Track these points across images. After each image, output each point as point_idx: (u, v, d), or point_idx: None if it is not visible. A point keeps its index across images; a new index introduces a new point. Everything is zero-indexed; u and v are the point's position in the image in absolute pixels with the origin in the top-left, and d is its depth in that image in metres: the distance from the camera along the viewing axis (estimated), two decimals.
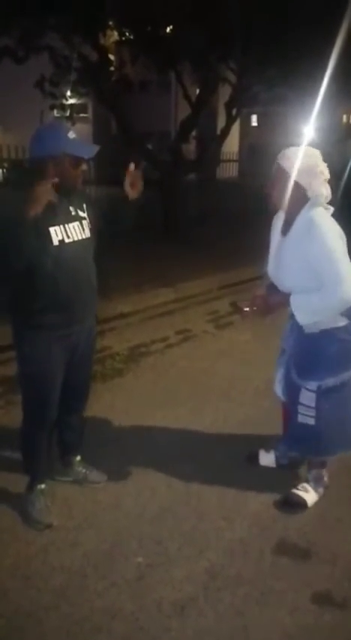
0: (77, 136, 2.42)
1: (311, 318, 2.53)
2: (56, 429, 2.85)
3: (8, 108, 15.67)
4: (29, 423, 2.67)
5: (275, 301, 2.68)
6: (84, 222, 2.52)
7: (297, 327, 2.66)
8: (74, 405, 2.83)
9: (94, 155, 2.44)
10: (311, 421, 2.66)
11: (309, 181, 2.48)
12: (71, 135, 2.38)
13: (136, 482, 3.01)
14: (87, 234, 2.53)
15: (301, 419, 2.69)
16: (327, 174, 2.52)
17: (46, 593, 2.29)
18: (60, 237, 2.39)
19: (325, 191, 2.52)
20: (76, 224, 2.47)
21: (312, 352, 2.64)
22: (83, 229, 2.51)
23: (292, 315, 2.66)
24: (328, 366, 2.63)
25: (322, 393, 2.63)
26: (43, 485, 2.76)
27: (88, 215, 2.55)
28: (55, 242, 2.38)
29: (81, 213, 2.52)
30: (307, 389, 2.64)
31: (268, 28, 7.54)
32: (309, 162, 2.47)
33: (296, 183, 2.49)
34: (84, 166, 2.44)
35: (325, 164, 2.52)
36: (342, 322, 2.55)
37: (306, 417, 2.67)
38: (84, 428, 2.97)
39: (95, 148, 2.49)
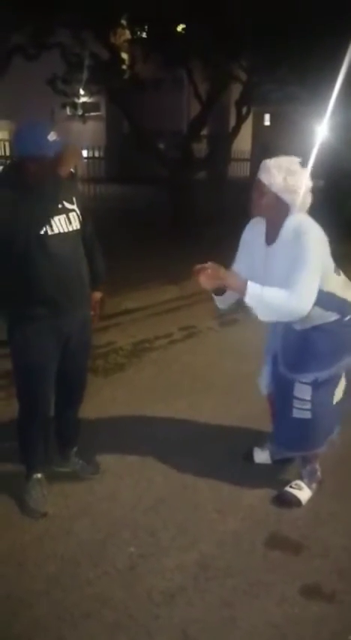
0: (58, 138, 2.37)
1: (267, 314, 2.45)
2: (54, 421, 2.90)
3: (20, 105, 15.77)
4: (24, 414, 2.71)
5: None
6: (71, 214, 2.52)
7: (284, 324, 2.67)
8: (70, 397, 2.87)
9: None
10: (307, 415, 2.67)
11: (292, 197, 2.48)
12: (52, 137, 2.35)
13: (133, 473, 3.04)
14: (75, 226, 2.54)
15: (296, 414, 2.69)
16: (309, 184, 2.51)
17: (39, 580, 2.33)
18: (43, 231, 2.40)
19: (308, 201, 2.53)
20: (62, 217, 2.48)
21: (304, 348, 2.65)
22: (70, 222, 2.51)
23: None
24: (323, 360, 2.64)
25: (317, 386, 2.64)
26: (39, 475, 2.80)
27: (78, 207, 2.56)
28: (41, 232, 2.39)
29: (69, 205, 2.52)
30: (302, 382, 2.65)
31: (278, 26, 7.52)
32: (290, 180, 2.45)
33: (278, 198, 2.49)
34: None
35: (306, 172, 2.51)
36: (334, 317, 2.58)
37: (302, 411, 2.68)
38: (80, 420, 3.01)
39: None
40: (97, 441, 3.25)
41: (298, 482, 2.86)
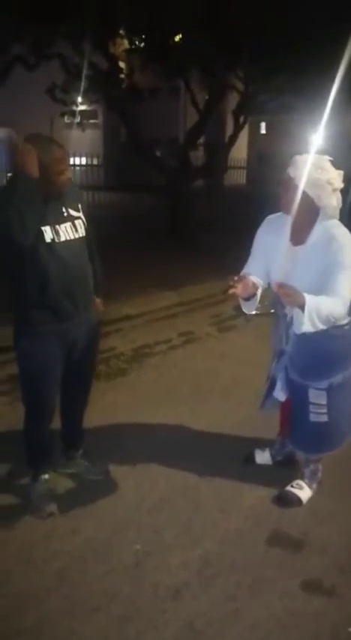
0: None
1: (315, 324, 2.44)
2: (60, 424, 2.97)
3: (20, 112, 15.93)
4: (30, 417, 2.77)
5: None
6: (77, 221, 2.57)
7: (294, 330, 2.70)
8: (76, 401, 2.94)
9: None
10: (324, 418, 2.71)
11: (317, 193, 2.50)
12: None
13: (136, 475, 3.11)
14: (81, 233, 2.59)
15: (313, 418, 2.72)
16: (337, 184, 2.53)
17: (48, 576, 2.40)
18: (50, 238, 2.45)
19: (335, 202, 2.54)
20: (68, 225, 2.53)
21: (316, 353, 2.65)
22: (76, 229, 2.56)
23: (290, 320, 2.69)
24: (336, 364, 2.67)
25: (332, 390, 2.67)
26: (46, 476, 2.87)
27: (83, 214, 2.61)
28: (48, 240, 2.45)
29: (74, 213, 2.58)
30: (317, 388, 2.68)
31: (275, 37, 7.66)
32: (316, 174, 2.48)
33: (305, 194, 2.50)
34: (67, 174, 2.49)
35: (339, 172, 2.55)
36: (345, 320, 2.58)
37: (319, 415, 2.71)
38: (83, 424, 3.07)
39: None
40: (100, 443, 3.32)
41: (299, 482, 2.93)
